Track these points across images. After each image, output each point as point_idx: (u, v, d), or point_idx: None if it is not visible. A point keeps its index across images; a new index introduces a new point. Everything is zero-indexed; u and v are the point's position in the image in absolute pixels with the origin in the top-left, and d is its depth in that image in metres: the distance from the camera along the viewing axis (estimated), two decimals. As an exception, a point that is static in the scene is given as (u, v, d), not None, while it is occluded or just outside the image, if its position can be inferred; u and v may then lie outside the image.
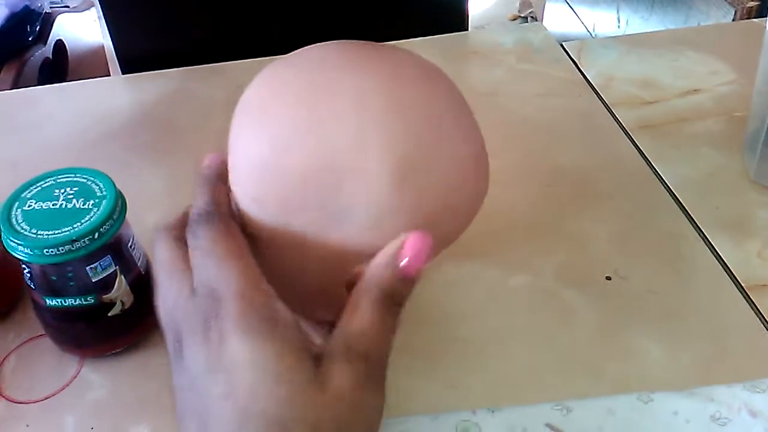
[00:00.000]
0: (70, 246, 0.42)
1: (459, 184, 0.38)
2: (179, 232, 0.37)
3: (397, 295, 0.34)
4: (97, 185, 0.45)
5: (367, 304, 0.34)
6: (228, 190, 0.39)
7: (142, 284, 0.47)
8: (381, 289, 0.34)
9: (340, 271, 0.36)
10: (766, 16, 0.57)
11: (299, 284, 0.37)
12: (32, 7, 1.56)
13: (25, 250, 0.42)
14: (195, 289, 0.34)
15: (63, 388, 0.47)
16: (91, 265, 0.43)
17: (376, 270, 0.34)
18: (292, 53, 0.41)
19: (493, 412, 0.43)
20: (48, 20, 1.63)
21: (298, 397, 0.31)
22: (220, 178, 0.39)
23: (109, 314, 0.46)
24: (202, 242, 0.35)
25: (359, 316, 0.33)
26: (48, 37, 1.60)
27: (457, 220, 0.40)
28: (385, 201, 0.36)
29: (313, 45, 0.41)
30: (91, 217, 0.43)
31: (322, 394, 0.31)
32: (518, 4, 2.68)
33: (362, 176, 0.35)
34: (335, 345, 0.33)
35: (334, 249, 0.37)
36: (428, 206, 0.37)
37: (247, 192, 0.38)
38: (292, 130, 0.36)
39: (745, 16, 0.99)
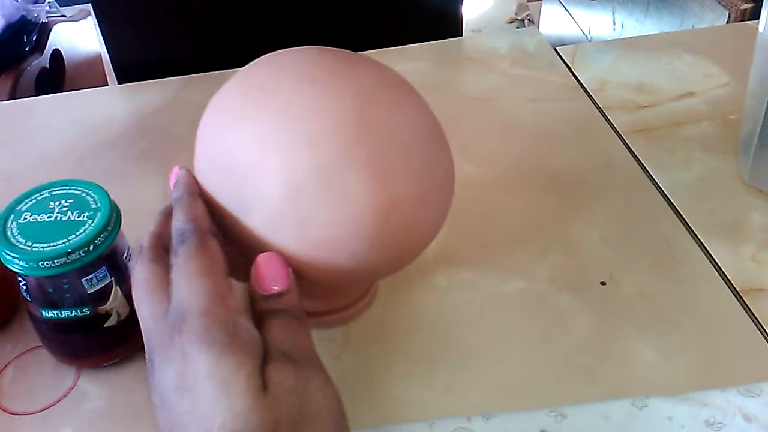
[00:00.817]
0: (66, 258, 0.42)
1: (366, 217, 0.39)
2: (154, 252, 0.39)
3: (271, 308, 0.38)
4: (92, 197, 0.45)
5: (262, 318, 0.37)
6: (203, 205, 0.41)
7: (138, 295, 0.47)
8: (258, 307, 0.38)
9: (251, 256, 0.40)
10: (759, 18, 0.57)
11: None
12: (29, 17, 1.56)
13: (21, 263, 0.42)
14: (171, 306, 0.36)
15: (60, 399, 0.47)
16: (87, 277, 0.44)
17: (251, 291, 0.39)
18: (256, 60, 0.44)
19: (488, 418, 0.43)
20: (44, 30, 1.63)
21: (254, 405, 0.32)
22: (194, 193, 0.42)
23: (105, 325, 0.46)
24: (179, 260, 0.37)
25: (263, 327, 0.37)
26: (45, 47, 1.60)
27: (374, 247, 0.40)
28: (273, 211, 0.39)
29: (276, 52, 0.43)
30: (86, 230, 0.43)
31: (270, 394, 0.33)
32: (515, 7, 2.68)
33: (257, 184, 0.39)
34: (265, 350, 0.35)
35: (243, 237, 0.41)
36: (322, 231, 0.39)
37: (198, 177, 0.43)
38: (217, 132, 0.41)
39: (739, 19, 0.99)
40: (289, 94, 0.40)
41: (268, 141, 0.39)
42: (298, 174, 0.38)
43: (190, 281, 0.36)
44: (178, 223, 0.39)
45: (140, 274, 0.38)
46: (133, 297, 0.38)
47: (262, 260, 0.39)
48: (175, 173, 0.43)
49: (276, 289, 0.38)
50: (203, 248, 0.37)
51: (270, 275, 0.38)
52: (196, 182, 0.42)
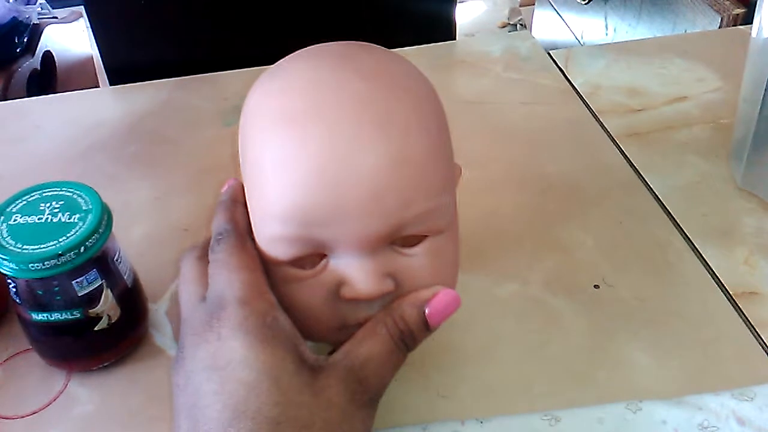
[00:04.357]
0: (56, 260, 0.41)
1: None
2: (201, 251, 0.40)
3: (411, 336, 0.37)
4: (83, 199, 0.45)
5: (382, 334, 0.36)
6: (244, 210, 0.41)
7: (129, 298, 0.47)
8: (400, 324, 0.37)
9: None
10: (751, 23, 0.57)
11: None
12: (20, 18, 1.56)
13: (11, 265, 0.42)
14: (207, 296, 0.36)
15: (50, 403, 0.47)
16: (77, 280, 0.43)
17: (402, 305, 0.37)
18: (284, 60, 0.41)
19: (481, 422, 0.43)
20: (36, 31, 1.62)
21: (294, 399, 0.33)
22: (236, 200, 0.42)
23: (96, 328, 0.45)
24: (218, 255, 0.38)
25: (370, 343, 0.36)
26: (36, 49, 1.60)
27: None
28: None
29: (300, 52, 0.41)
30: (77, 231, 0.42)
31: (316, 398, 0.33)
32: (507, 12, 2.69)
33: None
34: (338, 361, 0.35)
35: None
36: None
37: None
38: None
39: (731, 23, 1.00)
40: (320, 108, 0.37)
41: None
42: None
43: (230, 274, 0.36)
44: (218, 223, 0.40)
45: (184, 268, 0.39)
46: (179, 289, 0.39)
47: (450, 294, 0.38)
48: (228, 182, 0.43)
49: (432, 320, 0.37)
50: (242, 246, 0.38)
51: (444, 310, 0.38)
52: (242, 191, 0.42)
